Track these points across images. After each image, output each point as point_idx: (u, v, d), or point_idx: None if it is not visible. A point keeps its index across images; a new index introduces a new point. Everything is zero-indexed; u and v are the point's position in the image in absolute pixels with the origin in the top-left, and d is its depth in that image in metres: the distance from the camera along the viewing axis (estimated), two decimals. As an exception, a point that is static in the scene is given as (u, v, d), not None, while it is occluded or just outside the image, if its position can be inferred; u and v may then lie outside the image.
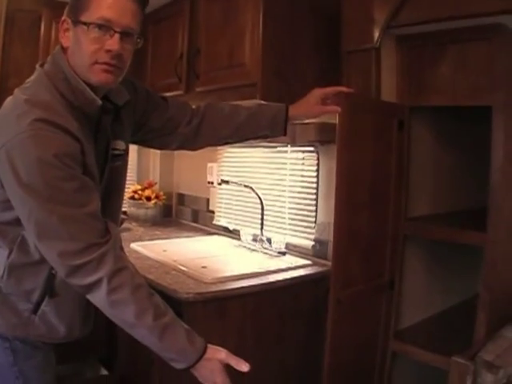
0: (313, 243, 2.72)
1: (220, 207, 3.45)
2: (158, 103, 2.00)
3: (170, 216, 4.02)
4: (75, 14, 1.54)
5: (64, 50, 1.60)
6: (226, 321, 2.25)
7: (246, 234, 3.01)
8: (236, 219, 3.30)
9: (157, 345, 1.60)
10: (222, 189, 3.41)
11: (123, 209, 3.78)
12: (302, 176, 2.79)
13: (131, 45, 1.60)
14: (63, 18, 1.57)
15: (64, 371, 3.01)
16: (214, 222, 3.47)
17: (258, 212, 2.94)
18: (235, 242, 3.10)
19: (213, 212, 3.51)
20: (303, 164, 2.78)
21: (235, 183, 3.06)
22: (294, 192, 2.85)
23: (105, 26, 1.52)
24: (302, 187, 2.80)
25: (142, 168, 4.13)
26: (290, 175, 2.87)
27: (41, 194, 1.44)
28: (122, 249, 1.63)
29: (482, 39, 2.13)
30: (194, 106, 2.10)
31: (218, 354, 1.66)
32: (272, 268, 2.52)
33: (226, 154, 3.40)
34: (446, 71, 2.23)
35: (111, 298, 1.50)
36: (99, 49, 1.54)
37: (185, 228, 3.63)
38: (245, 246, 2.97)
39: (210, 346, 1.65)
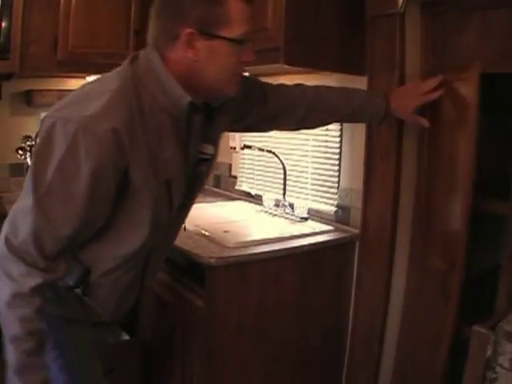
0: (335, 209, 2.71)
1: (242, 172, 3.44)
2: (258, 98, 1.99)
3: (193, 181, 3.98)
4: (209, 27, 1.49)
5: (164, 58, 1.53)
6: (247, 286, 2.26)
7: (268, 199, 3.01)
8: (258, 184, 3.29)
9: (12, 371, 1.50)
10: (244, 154, 3.39)
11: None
12: (325, 141, 2.76)
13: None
14: (189, 31, 1.48)
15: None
16: (236, 187, 3.46)
17: (281, 177, 2.93)
18: (257, 207, 3.10)
19: (235, 177, 3.50)
20: (326, 129, 2.75)
21: (258, 148, 3.04)
22: (316, 157, 2.83)
23: (246, 40, 1.53)
24: (325, 152, 2.77)
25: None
26: (313, 140, 2.84)
27: (42, 182, 1.41)
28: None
29: (507, 6, 2.07)
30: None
31: None
32: (294, 233, 2.52)
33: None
34: (470, 39, 2.18)
35: (5, 309, 1.45)
36: (238, 61, 1.56)
37: (207, 193, 3.60)
38: (267, 212, 2.97)
39: None
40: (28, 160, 3.39)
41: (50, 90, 3.50)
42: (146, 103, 1.50)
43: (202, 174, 1.83)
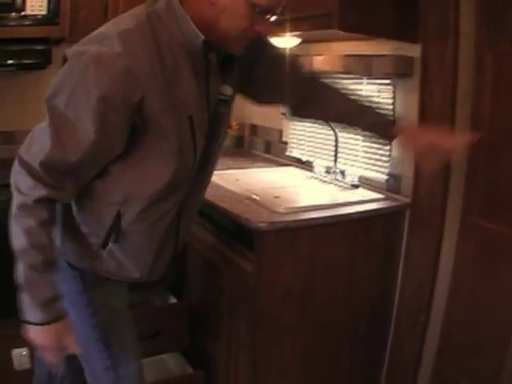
0: (386, 177, 2.68)
1: (293, 138, 3.42)
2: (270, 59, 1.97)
3: (242, 146, 4.01)
4: None
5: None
6: (296, 251, 2.26)
7: (319, 165, 2.99)
8: (309, 151, 3.27)
9: (20, 285, 1.57)
10: (295, 120, 3.38)
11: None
12: (378, 108, 2.73)
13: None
14: None
15: (132, 299, 3.10)
16: (287, 154, 3.45)
17: (332, 144, 2.90)
18: (308, 173, 3.09)
19: (285, 143, 3.48)
20: (379, 97, 2.71)
21: (310, 114, 3.02)
22: (369, 124, 2.79)
23: (265, 12, 1.56)
24: (378, 120, 2.74)
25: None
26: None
27: (56, 106, 1.48)
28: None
29: None
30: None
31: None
32: (344, 200, 2.51)
33: (300, 85, 3.34)
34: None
35: (12, 220, 1.54)
36: (250, 26, 1.57)
37: (257, 159, 3.62)
38: (317, 178, 2.96)
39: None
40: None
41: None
42: (164, 40, 1.54)
43: (223, 116, 1.83)
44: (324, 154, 3.10)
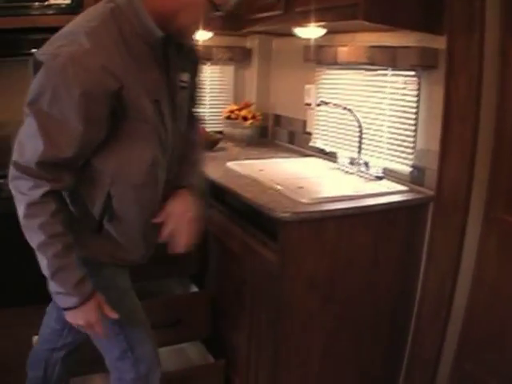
0: (410, 169, 2.67)
1: (317, 129, 3.41)
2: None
3: (266, 137, 4.01)
4: None
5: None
6: (320, 242, 2.26)
7: (343, 156, 2.99)
8: (333, 142, 3.26)
9: (49, 277, 1.69)
10: (319, 111, 3.37)
11: (219, 128, 3.83)
12: (402, 100, 2.71)
13: None
14: None
15: (154, 288, 3.13)
16: (311, 144, 3.44)
17: (356, 135, 2.89)
18: (331, 164, 3.08)
19: (309, 134, 3.47)
20: (404, 88, 2.70)
21: (335, 105, 3.01)
22: (393, 116, 2.78)
23: (216, 8, 1.76)
24: (402, 112, 2.72)
25: (239, 88, 4.12)
26: (390, 99, 2.79)
27: (40, 109, 1.58)
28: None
29: None
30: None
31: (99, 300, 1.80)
32: (368, 192, 2.50)
33: (324, 76, 3.33)
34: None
35: (25, 221, 1.65)
36: (201, 17, 1.79)
37: (281, 149, 3.63)
38: (341, 169, 2.95)
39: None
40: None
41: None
42: (128, 33, 1.66)
43: (183, 101, 1.96)
44: (348, 145, 3.09)
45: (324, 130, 3.35)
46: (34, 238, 1.65)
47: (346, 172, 2.90)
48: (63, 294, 1.72)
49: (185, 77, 1.95)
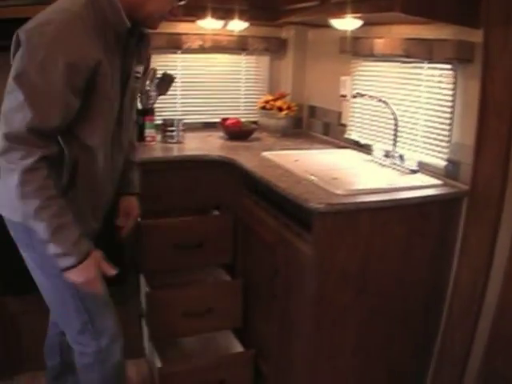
0: (445, 163, 2.66)
1: (352, 121, 3.41)
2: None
3: (301, 128, 4.01)
4: None
5: None
6: (354, 234, 2.26)
7: (378, 149, 2.99)
8: (368, 134, 3.26)
9: (48, 239, 1.81)
10: (354, 102, 3.36)
11: (254, 118, 3.84)
12: (438, 94, 2.70)
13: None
14: None
15: (187, 276, 3.16)
16: (345, 136, 3.43)
17: (391, 128, 2.88)
18: (366, 156, 3.08)
19: (344, 125, 3.47)
20: (439, 82, 2.69)
21: (370, 97, 3.01)
22: (428, 109, 2.76)
23: None
24: (437, 105, 2.70)
25: (274, 79, 4.11)
26: (426, 92, 2.77)
27: (28, 81, 1.73)
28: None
29: None
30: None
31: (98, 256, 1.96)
32: (403, 185, 2.49)
33: (360, 68, 3.32)
34: None
35: (20, 189, 1.75)
36: (168, 8, 1.99)
37: (315, 140, 3.63)
38: (375, 162, 2.94)
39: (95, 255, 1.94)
40: (137, 101, 3.50)
41: (161, 34, 3.55)
42: (101, 19, 1.86)
43: (135, 91, 2.26)
44: (383, 138, 3.09)
45: (359, 122, 3.34)
46: (29, 204, 1.77)
47: (381, 165, 2.89)
48: (63, 255, 1.83)
49: (139, 68, 2.22)
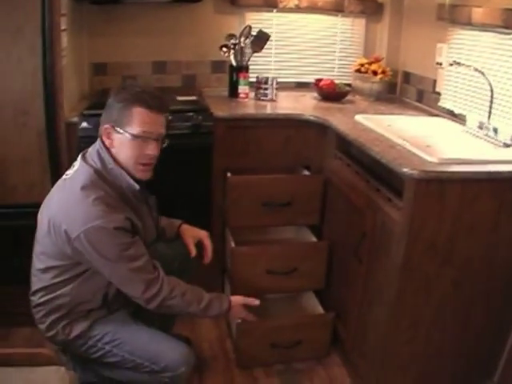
0: (541, 139, 2.61)
1: (447, 90, 3.36)
2: None
3: (394, 93, 3.99)
4: (119, 125, 2.12)
5: (108, 148, 2.17)
6: (444, 204, 2.23)
7: (472, 120, 2.95)
8: (462, 104, 3.21)
9: (203, 315, 2.47)
10: (450, 71, 3.32)
11: (347, 81, 3.85)
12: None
13: (161, 145, 2.23)
14: (106, 126, 2.15)
15: (272, 235, 3.21)
16: (439, 104, 3.39)
17: (487, 99, 2.83)
18: (459, 126, 3.03)
19: (438, 94, 3.43)
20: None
21: (467, 66, 2.96)
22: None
23: (146, 137, 2.14)
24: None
25: (369, 42, 4.09)
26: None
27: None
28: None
29: None
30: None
31: (238, 301, 2.50)
32: (496, 158, 2.45)
33: (457, 36, 3.27)
34: None
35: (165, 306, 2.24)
36: (141, 153, 2.16)
37: (408, 107, 3.61)
38: (469, 132, 2.90)
39: (232, 298, 2.48)
40: (231, 57, 3.57)
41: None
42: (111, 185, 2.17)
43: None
44: (478, 109, 3.04)
45: (454, 91, 3.30)
46: (182, 309, 2.31)
47: (474, 136, 2.85)
48: (217, 313, 2.43)
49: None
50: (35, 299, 2.29)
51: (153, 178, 2.28)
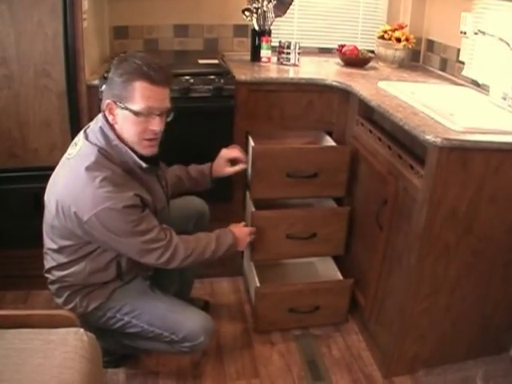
0: None
1: (471, 59, 3.32)
2: None
3: (417, 61, 3.95)
4: (121, 101, 2.08)
5: (111, 125, 2.15)
6: (467, 172, 2.23)
7: (496, 90, 2.92)
8: (486, 73, 3.17)
9: (218, 254, 2.47)
10: (474, 40, 3.28)
11: (370, 47, 3.82)
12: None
13: (165, 119, 2.21)
14: (108, 102, 2.11)
15: (295, 201, 3.20)
16: (463, 74, 3.36)
17: (511, 70, 2.82)
18: (482, 96, 3.01)
19: (462, 63, 3.39)
20: None
21: (492, 36, 2.92)
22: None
23: (149, 113, 2.10)
24: None
25: (393, 9, 4.04)
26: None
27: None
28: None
29: None
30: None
31: (235, 227, 2.66)
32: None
33: (482, 5, 3.21)
34: None
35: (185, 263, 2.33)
36: (145, 129, 2.14)
37: (431, 75, 3.58)
38: (492, 103, 2.87)
39: (232, 228, 2.62)
40: (254, 21, 3.54)
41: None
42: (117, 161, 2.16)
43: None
44: (502, 79, 2.99)
45: (478, 61, 3.26)
46: (198, 259, 2.38)
47: (498, 106, 2.82)
48: (227, 246, 2.50)
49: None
50: (50, 276, 2.34)
51: (159, 153, 2.29)
